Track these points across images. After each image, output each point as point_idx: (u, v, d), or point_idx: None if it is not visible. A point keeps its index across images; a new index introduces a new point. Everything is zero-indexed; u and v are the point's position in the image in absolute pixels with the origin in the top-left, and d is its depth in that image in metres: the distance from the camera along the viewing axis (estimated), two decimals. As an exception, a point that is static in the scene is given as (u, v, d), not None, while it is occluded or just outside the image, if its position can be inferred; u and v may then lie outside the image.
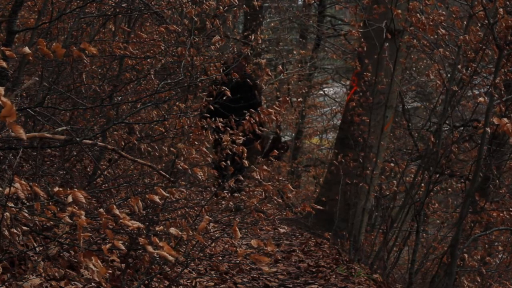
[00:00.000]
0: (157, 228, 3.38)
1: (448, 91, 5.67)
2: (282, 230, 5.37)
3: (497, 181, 7.07)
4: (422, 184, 6.35)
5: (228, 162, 4.89)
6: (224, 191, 4.78)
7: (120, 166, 5.64)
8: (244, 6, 8.16)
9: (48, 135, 3.57)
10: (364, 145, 7.35)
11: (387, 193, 9.15)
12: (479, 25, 5.45)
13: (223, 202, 5.27)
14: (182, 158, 4.34)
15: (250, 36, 7.98)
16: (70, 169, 5.02)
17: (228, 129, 5.05)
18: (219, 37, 5.50)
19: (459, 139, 6.56)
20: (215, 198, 4.92)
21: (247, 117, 4.60)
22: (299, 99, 14.59)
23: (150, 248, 2.42)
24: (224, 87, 5.45)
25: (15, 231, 2.99)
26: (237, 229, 2.93)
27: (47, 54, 2.53)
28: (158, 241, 2.49)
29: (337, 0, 15.15)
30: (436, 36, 5.83)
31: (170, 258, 2.41)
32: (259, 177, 4.34)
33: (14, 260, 3.10)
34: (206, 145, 4.61)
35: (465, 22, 5.71)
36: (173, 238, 3.24)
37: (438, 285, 5.81)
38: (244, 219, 5.03)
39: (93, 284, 3.30)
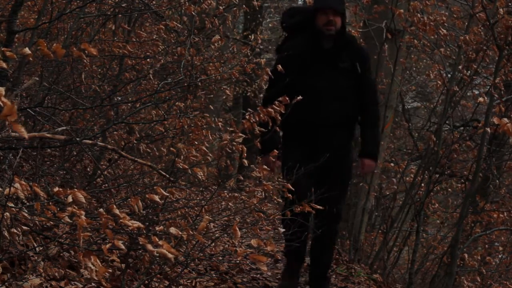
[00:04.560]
0: (157, 228, 3.38)
1: (448, 91, 5.67)
2: (282, 230, 5.37)
3: (497, 181, 7.06)
4: (422, 184, 6.35)
5: (228, 161, 4.89)
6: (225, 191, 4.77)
7: (120, 166, 5.64)
8: (244, 6, 8.17)
9: (48, 135, 3.56)
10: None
11: (387, 193, 9.14)
12: (480, 25, 5.45)
13: (223, 202, 5.27)
14: (182, 158, 4.34)
15: (250, 36, 8.00)
16: (70, 169, 5.01)
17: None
18: (219, 37, 5.50)
19: (459, 139, 6.56)
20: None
21: (247, 116, 4.59)
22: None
23: (149, 247, 2.42)
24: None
25: (15, 231, 2.98)
26: (237, 229, 2.93)
27: (47, 55, 2.53)
28: (157, 240, 2.49)
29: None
30: (436, 36, 5.83)
31: (170, 256, 2.41)
32: (259, 175, 4.34)
33: (14, 260, 3.10)
34: (206, 145, 4.60)
35: (466, 23, 5.71)
36: (173, 238, 3.24)
37: (438, 285, 5.81)
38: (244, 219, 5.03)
39: (93, 284, 3.29)
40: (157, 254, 2.43)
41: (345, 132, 4.14)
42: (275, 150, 3.85)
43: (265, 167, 3.86)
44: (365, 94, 4.16)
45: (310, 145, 4.05)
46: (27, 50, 2.60)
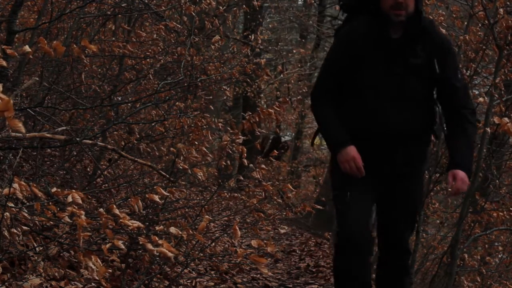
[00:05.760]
0: (157, 228, 3.38)
1: (448, 91, 5.66)
2: (282, 230, 5.37)
3: (497, 181, 7.06)
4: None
5: (228, 161, 4.85)
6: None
7: (120, 166, 5.65)
8: (244, 6, 8.17)
9: (48, 135, 3.57)
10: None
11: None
12: (479, 25, 5.45)
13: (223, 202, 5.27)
14: (182, 158, 4.34)
15: (250, 36, 8.00)
16: (70, 169, 5.02)
17: None
18: (219, 37, 5.50)
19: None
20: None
21: (247, 117, 4.59)
22: (298, 97, 14.59)
23: (149, 246, 2.42)
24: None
25: (15, 231, 2.99)
26: (237, 229, 2.93)
27: (48, 52, 2.53)
28: (157, 239, 2.49)
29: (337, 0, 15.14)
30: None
31: (170, 254, 2.41)
32: (258, 176, 4.33)
33: (14, 260, 3.10)
34: (206, 145, 4.60)
35: (465, 22, 5.71)
36: (173, 238, 3.24)
37: (438, 285, 5.81)
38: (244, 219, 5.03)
39: (93, 284, 3.30)
40: (157, 254, 2.43)
41: (416, 148, 3.22)
42: (351, 143, 3.06)
43: (346, 165, 3.03)
44: (453, 98, 3.18)
45: (370, 163, 3.09)
46: (27, 48, 2.60)
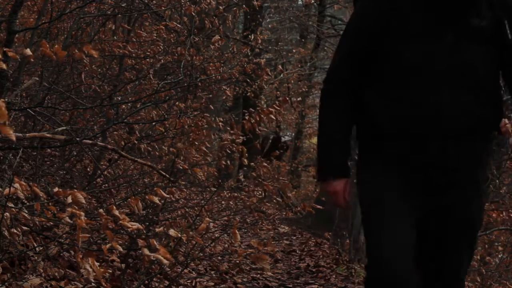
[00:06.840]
0: (157, 229, 3.38)
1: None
2: (282, 230, 5.38)
3: (497, 181, 7.06)
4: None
5: (228, 161, 4.85)
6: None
7: (120, 166, 5.65)
8: (244, 6, 8.17)
9: (48, 135, 3.57)
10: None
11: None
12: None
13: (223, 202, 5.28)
14: (181, 158, 4.34)
15: (250, 36, 8.00)
16: (70, 169, 5.02)
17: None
18: (219, 37, 5.51)
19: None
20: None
21: (247, 117, 4.59)
22: (298, 99, 14.60)
23: (146, 251, 2.42)
24: None
25: (15, 231, 2.99)
26: (237, 232, 2.92)
27: (50, 56, 2.53)
28: (155, 242, 2.49)
29: (337, 0, 15.16)
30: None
31: (165, 262, 2.39)
32: (259, 174, 4.33)
33: (14, 260, 3.10)
34: (207, 145, 4.60)
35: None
36: (173, 239, 3.24)
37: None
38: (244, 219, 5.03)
39: (93, 284, 3.30)
40: (154, 259, 2.42)
41: (479, 147, 2.29)
42: (344, 173, 2.31)
43: (327, 198, 2.34)
44: None
45: (414, 169, 2.23)
46: (28, 51, 2.60)
